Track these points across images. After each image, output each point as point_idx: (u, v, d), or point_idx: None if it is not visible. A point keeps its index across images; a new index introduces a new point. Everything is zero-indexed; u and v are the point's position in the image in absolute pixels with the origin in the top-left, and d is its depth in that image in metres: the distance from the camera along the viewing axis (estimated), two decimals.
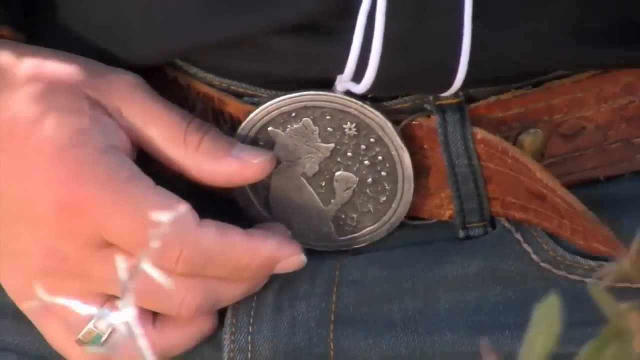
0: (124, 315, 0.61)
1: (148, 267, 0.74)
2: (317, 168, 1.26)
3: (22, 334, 1.29)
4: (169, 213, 1.04)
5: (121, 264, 0.86)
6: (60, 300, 0.74)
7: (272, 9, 1.25)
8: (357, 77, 1.20)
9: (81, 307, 0.85)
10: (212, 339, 1.27)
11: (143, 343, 0.67)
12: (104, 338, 1.08)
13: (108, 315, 0.86)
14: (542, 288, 1.19)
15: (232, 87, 1.26)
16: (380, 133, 1.24)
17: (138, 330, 0.63)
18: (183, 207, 1.12)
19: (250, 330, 1.28)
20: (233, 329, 1.28)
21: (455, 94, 1.22)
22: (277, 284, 1.28)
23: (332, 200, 1.26)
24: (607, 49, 1.27)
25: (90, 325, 1.08)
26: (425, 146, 1.25)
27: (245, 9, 1.27)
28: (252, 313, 1.28)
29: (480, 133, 1.23)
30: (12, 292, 1.27)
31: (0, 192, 1.26)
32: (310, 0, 1.24)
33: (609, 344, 0.62)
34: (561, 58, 1.28)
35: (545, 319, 0.62)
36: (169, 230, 0.96)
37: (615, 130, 1.27)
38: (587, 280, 1.20)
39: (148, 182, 1.21)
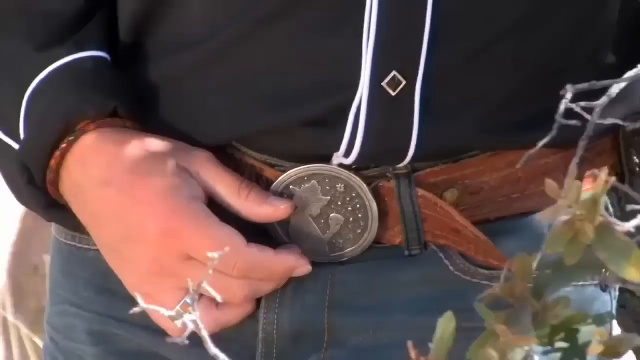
0: (192, 315, 0.91)
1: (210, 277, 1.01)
2: (319, 211, 1.59)
3: (133, 329, 1.61)
4: (230, 240, 1.41)
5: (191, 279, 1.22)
6: (151, 307, 1.11)
7: (297, 110, 1.55)
8: (347, 154, 1.53)
9: (163, 311, 1.17)
10: (252, 316, 1.57)
11: (204, 332, 0.93)
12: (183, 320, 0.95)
13: (189, 305, 1.16)
14: (455, 288, 1.53)
15: (268, 161, 1.57)
16: (359, 191, 1.56)
17: (200, 323, 0.89)
18: (237, 237, 1.52)
19: (276, 311, 1.59)
20: (265, 310, 1.60)
21: (405, 167, 1.55)
22: (294, 282, 1.58)
23: (328, 232, 1.59)
24: (506, 139, 1.55)
25: (175, 311, 1.31)
26: (386, 199, 1.57)
27: (280, 110, 1.57)
28: (277, 301, 1.59)
29: (420, 191, 1.56)
30: (128, 285, 1.56)
31: (122, 220, 1.55)
32: (318, 106, 1.55)
33: (488, 341, 0.87)
34: (477, 146, 1.58)
35: (446, 327, 0.90)
36: (229, 252, 1.28)
37: (502, 190, 1.57)
38: (483, 282, 1.54)
39: (216, 219, 1.52)
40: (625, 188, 0.95)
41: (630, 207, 0.90)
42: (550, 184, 0.89)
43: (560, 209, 0.89)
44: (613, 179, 0.89)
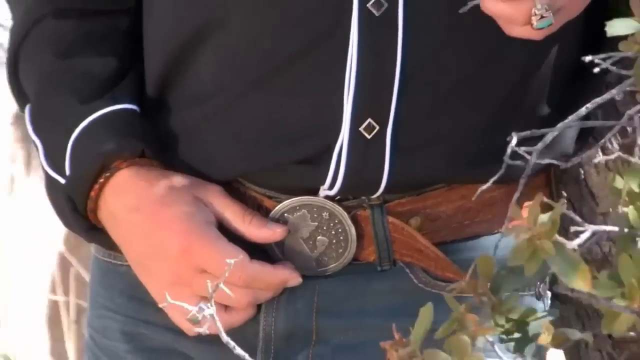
0: (210, 310, 1.01)
1: (222, 285, 1.10)
2: (308, 234, 1.55)
3: (158, 316, 1.52)
4: (236, 257, 1.39)
5: (209, 283, 1.27)
6: (177, 303, 1.19)
7: (290, 152, 1.51)
8: (331, 187, 1.50)
9: (187, 307, 1.13)
10: (254, 319, 1.54)
11: (218, 322, 1.00)
12: (199, 318, 1.05)
13: (203, 310, 1.02)
14: (418, 297, 1.45)
15: (267, 193, 1.55)
16: (341, 218, 1.54)
17: (215, 316, 0.99)
18: (242, 254, 1.48)
19: (273, 315, 1.56)
20: (265, 314, 1.56)
21: (378, 198, 1.53)
22: (287, 291, 1.54)
23: (315, 251, 1.55)
24: (460, 176, 1.49)
25: (193, 313, 1.06)
26: (362, 225, 1.54)
27: (275, 151, 1.53)
28: (274, 306, 1.56)
29: (390, 218, 1.53)
30: (153, 293, 1.53)
31: (148, 240, 1.52)
32: (307, 148, 1.50)
33: (453, 325, 0.88)
34: (437, 181, 1.53)
35: (425, 315, 0.90)
36: (235, 266, 1.28)
37: (456, 217, 1.53)
38: (442, 292, 1.40)
39: (224, 239, 1.51)
40: (570, 213, 0.90)
41: (574, 229, 0.88)
42: (515, 209, 0.88)
43: (520, 230, 0.86)
44: (564, 202, 0.90)
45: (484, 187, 1.09)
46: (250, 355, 1.05)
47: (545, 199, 0.92)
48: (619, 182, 0.84)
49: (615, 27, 0.85)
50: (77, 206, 1.55)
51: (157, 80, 1.59)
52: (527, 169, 0.98)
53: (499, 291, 0.87)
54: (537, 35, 1.37)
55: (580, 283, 0.84)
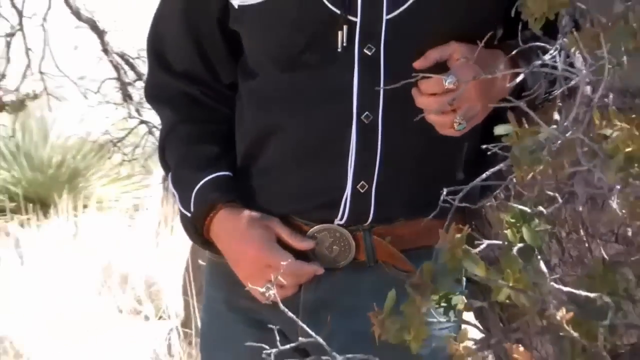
0: (272, 290, 1.09)
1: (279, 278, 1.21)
2: (328, 244, 1.50)
3: (245, 292, 1.44)
4: (287, 259, 1.41)
5: (272, 275, 1.29)
6: (254, 287, 1.28)
7: (314, 201, 1.48)
8: (340, 219, 1.47)
9: (259, 289, 1.22)
10: (297, 294, 1.48)
11: (277, 296, 1.05)
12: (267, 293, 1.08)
13: (269, 289, 1.09)
14: (390, 282, 1.24)
15: (304, 222, 1.49)
16: (347, 236, 1.48)
17: (275, 293, 1.05)
18: (290, 257, 1.46)
19: (308, 291, 1.50)
20: (303, 291, 1.49)
21: (367, 225, 1.47)
22: (316, 278, 1.48)
23: (332, 254, 1.49)
24: (415, 214, 1.41)
25: (262, 291, 1.12)
26: (358, 240, 1.48)
27: (306, 201, 1.49)
28: (309, 286, 1.49)
29: (374, 237, 1.48)
30: (241, 279, 1.48)
31: (237, 250, 1.50)
32: (325, 198, 1.47)
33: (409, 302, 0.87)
34: (402, 217, 1.47)
35: (391, 296, 0.88)
36: (286, 264, 1.34)
37: (411, 236, 1.46)
38: (404, 280, 1.18)
39: (281, 249, 1.47)
40: (474, 234, 0.91)
41: (477, 242, 0.86)
42: (442, 233, 0.88)
43: (445, 243, 0.87)
44: (469, 228, 0.88)
45: (427, 219, 1.14)
46: (294, 315, 1.06)
47: (461, 226, 0.90)
48: (502, 216, 0.84)
49: (499, 129, 0.85)
50: (197, 230, 1.53)
51: (242, 158, 1.55)
52: (452, 209, 0.97)
53: (435, 280, 0.85)
54: (457, 134, 1.36)
55: (479, 272, 0.83)
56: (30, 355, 3.74)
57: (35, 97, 4.05)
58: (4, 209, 5.95)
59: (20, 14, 3.78)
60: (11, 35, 3.81)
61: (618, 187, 0.72)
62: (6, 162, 6.31)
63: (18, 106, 3.89)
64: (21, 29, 3.80)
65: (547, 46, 0.86)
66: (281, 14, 1.41)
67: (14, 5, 3.77)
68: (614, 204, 0.74)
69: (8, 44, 3.81)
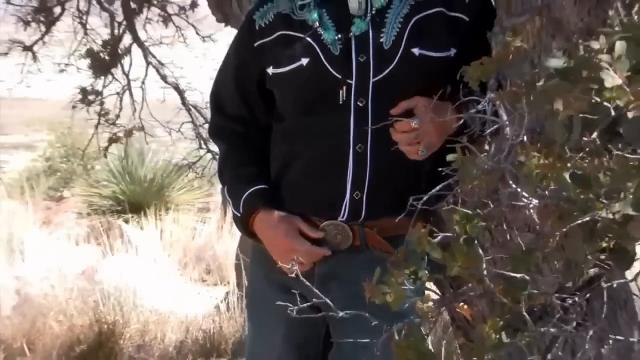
0: (295, 266, 0.99)
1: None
2: (333, 234, 1.45)
3: (278, 269, 1.37)
4: (305, 245, 1.36)
5: (295, 257, 1.17)
6: (283, 264, 1.22)
7: (326, 204, 1.43)
8: (342, 217, 1.42)
9: (286, 267, 1.07)
10: (312, 268, 1.45)
11: (298, 271, 0.99)
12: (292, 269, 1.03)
13: (294, 266, 1.01)
14: (376, 261, 1.09)
15: (318, 219, 1.45)
16: (347, 228, 1.44)
17: (297, 268, 0.97)
18: (307, 244, 1.44)
19: (320, 266, 1.45)
20: (317, 267, 1.45)
21: (360, 222, 1.43)
22: (325, 257, 1.44)
23: (336, 241, 1.45)
24: (394, 214, 1.21)
25: (289, 267, 1.05)
26: (354, 231, 1.44)
27: (320, 204, 1.44)
28: (320, 263, 1.45)
29: (366, 229, 1.43)
30: (275, 259, 1.45)
31: (271, 238, 1.46)
32: (329, 203, 1.42)
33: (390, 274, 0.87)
34: (385, 216, 1.39)
35: (377, 271, 0.85)
36: (305, 248, 1.32)
37: (391, 227, 1.36)
38: (387, 259, 1.11)
39: (301, 238, 1.44)
40: (433, 229, 0.86)
41: (435, 234, 0.84)
42: (417, 227, 0.85)
43: (413, 234, 0.84)
44: (429, 225, 0.85)
45: (399, 218, 1.10)
46: (310, 283, 1.05)
47: (424, 223, 0.93)
48: (452, 216, 0.82)
49: (450, 157, 0.84)
50: (244, 225, 1.51)
51: (274, 175, 1.50)
52: (417, 212, 0.96)
53: (407, 260, 0.84)
54: (420, 159, 1.33)
55: (437, 255, 0.82)
56: (143, 301, 3.72)
57: (137, 133, 4.18)
58: (115, 210, 6.19)
59: (127, 78, 3.98)
60: (122, 92, 3.99)
61: (535, 200, 0.71)
62: (116, 179, 6.56)
63: (125, 140, 4.02)
64: (129, 88, 3.99)
65: (480, 99, 0.86)
66: (300, 78, 1.39)
67: (124, 72, 3.96)
68: (531, 208, 0.73)
69: (121, 98, 3.98)
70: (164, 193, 6.48)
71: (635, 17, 0.83)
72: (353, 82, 1.35)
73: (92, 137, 4.05)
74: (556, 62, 0.63)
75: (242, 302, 3.57)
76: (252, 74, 1.45)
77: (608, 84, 0.58)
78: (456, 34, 1.32)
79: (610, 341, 0.85)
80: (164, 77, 3.98)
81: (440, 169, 0.91)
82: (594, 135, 0.60)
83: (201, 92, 3.92)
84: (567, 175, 0.64)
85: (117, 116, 3.96)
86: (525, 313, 0.74)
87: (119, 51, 3.80)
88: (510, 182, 0.74)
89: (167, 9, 3.87)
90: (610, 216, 0.61)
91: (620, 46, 0.59)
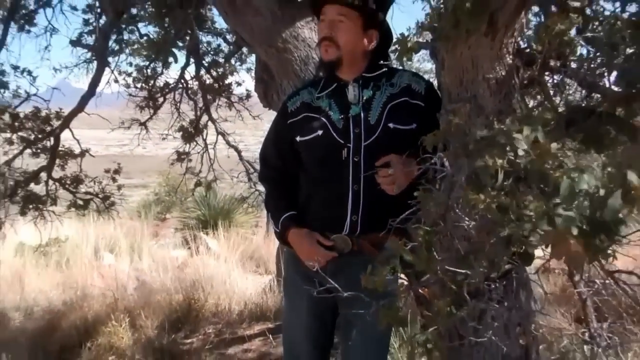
0: (316, 263, 1.01)
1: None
2: (339, 242, 1.32)
3: (305, 266, 1.31)
4: (321, 251, 1.23)
5: (315, 258, 1.11)
6: (308, 263, 1.10)
7: (333, 224, 1.30)
8: (344, 232, 1.30)
9: (309, 263, 1.04)
10: (325, 265, 1.30)
11: (317, 267, 0.98)
12: (313, 266, 1.05)
13: (314, 264, 0.99)
14: (368, 261, 0.96)
15: (329, 234, 1.32)
16: (348, 239, 1.31)
17: (317, 265, 0.98)
18: (322, 250, 1.31)
19: (330, 265, 1.32)
20: (329, 265, 1.31)
21: (356, 235, 1.31)
22: (334, 258, 1.32)
23: (340, 247, 1.32)
24: (379, 230, 1.13)
25: (311, 264, 1.06)
26: (352, 240, 1.31)
27: (328, 225, 1.31)
28: (330, 263, 1.32)
29: (362, 241, 1.31)
30: (302, 259, 1.31)
31: (299, 245, 1.33)
32: (334, 224, 1.30)
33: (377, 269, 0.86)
34: (372, 231, 1.27)
35: (370, 269, 0.84)
36: (320, 253, 1.20)
37: (377, 239, 1.26)
38: (374, 260, 0.94)
39: (318, 245, 1.32)
40: (407, 240, 0.82)
41: (407, 243, 0.80)
42: (394, 239, 0.82)
43: (391, 242, 0.82)
44: (404, 238, 0.82)
45: (382, 233, 1.03)
46: (325, 275, 1.02)
47: (399, 237, 0.88)
48: (418, 232, 0.80)
49: (416, 193, 0.82)
50: (281, 238, 1.40)
51: (299, 206, 1.39)
52: (393, 228, 0.91)
53: (389, 259, 0.82)
54: (395, 193, 1.24)
55: (408, 257, 0.79)
56: (217, 285, 3.65)
57: (212, 180, 4.23)
58: (199, 227, 6.29)
59: (205, 143, 4.06)
60: (202, 152, 4.07)
61: (471, 222, 0.69)
62: (199, 207, 6.67)
63: (206, 184, 4.05)
64: (206, 150, 4.05)
65: (433, 156, 0.84)
66: (317, 143, 1.33)
67: (203, 140, 4.05)
68: (469, 227, 0.72)
69: (201, 156, 4.07)
70: (230, 215, 6.58)
71: (530, 104, 0.88)
72: (351, 146, 1.30)
73: (182, 181, 4.22)
74: (480, 133, 0.66)
75: (280, 286, 3.51)
76: (286, 141, 1.39)
77: (520, 151, 0.60)
78: (417, 115, 1.28)
79: (516, 310, 0.86)
80: (228, 142, 4.07)
81: (409, 201, 0.88)
82: (510, 180, 0.61)
83: (253, 152, 4.04)
84: (493, 205, 0.63)
85: (200, 170, 4.07)
86: (465, 294, 0.74)
87: (200, 126, 3.94)
88: (455, 209, 0.73)
89: (231, 98, 4.01)
90: (520, 232, 0.61)
91: (526, 129, 0.61)
